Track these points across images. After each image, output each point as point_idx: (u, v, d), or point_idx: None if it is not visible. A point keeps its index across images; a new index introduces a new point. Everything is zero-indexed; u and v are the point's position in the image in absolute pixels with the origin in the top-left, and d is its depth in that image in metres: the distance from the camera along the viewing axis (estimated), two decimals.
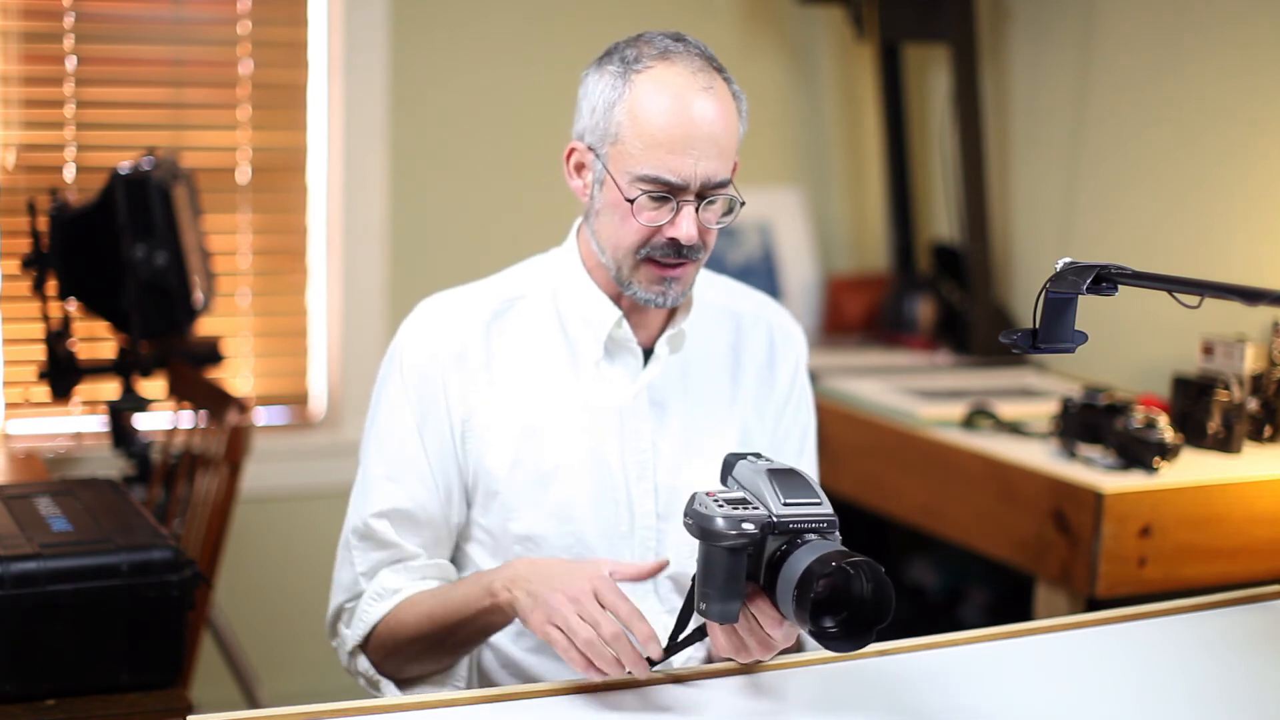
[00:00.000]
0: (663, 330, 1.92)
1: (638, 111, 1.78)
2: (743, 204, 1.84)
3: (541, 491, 1.87)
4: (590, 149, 1.84)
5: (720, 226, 1.83)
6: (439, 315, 1.91)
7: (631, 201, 1.78)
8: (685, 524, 1.59)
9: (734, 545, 1.55)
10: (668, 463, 1.90)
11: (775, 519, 1.56)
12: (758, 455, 1.67)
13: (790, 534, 1.56)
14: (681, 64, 1.79)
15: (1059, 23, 3.43)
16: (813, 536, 1.57)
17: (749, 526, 1.55)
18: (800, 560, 1.53)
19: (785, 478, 1.61)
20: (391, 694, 1.85)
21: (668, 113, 1.76)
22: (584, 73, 1.85)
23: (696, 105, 1.77)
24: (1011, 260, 3.60)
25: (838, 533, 1.59)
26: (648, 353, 1.92)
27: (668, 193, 1.78)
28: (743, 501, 1.58)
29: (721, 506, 1.57)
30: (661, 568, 1.73)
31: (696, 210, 1.78)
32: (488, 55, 3.57)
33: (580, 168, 1.87)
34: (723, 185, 1.80)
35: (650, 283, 1.83)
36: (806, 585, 1.51)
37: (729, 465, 1.68)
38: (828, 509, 1.59)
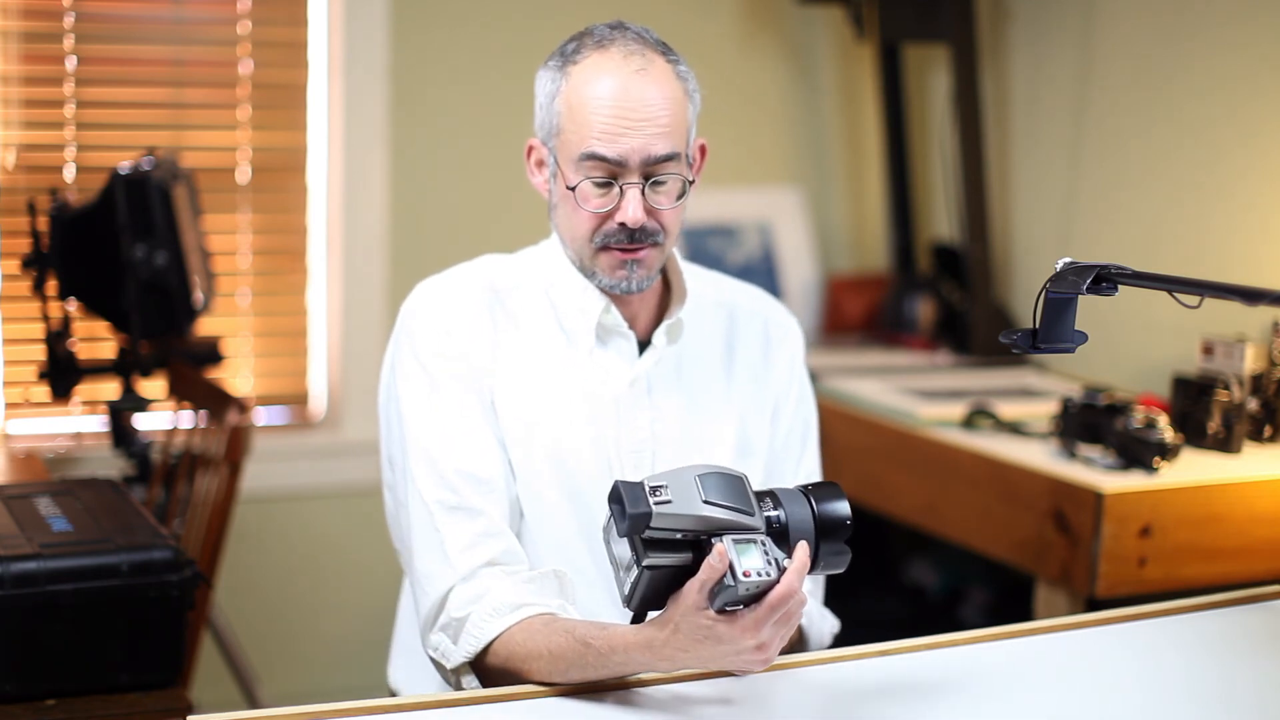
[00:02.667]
0: (658, 321, 1.93)
1: (573, 100, 1.80)
2: (692, 182, 1.84)
3: (554, 471, 1.86)
4: (544, 144, 1.86)
5: (673, 208, 1.82)
6: (447, 294, 1.91)
7: (573, 189, 1.80)
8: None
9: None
10: (667, 451, 1.90)
11: (766, 532, 1.57)
12: (621, 500, 1.54)
13: (772, 516, 1.59)
14: (615, 49, 1.81)
15: (1059, 23, 3.43)
16: (768, 497, 1.61)
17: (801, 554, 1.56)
18: (800, 515, 1.58)
19: (715, 489, 1.56)
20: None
21: (600, 97, 1.78)
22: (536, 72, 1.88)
23: (628, 86, 1.78)
24: (1011, 260, 3.60)
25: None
26: (644, 345, 1.92)
27: (609, 176, 1.79)
28: (755, 550, 1.54)
29: (771, 572, 1.52)
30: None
31: (642, 192, 1.79)
32: (488, 55, 3.56)
33: (540, 165, 1.89)
34: (667, 161, 1.80)
35: (612, 269, 1.84)
36: (840, 526, 1.58)
37: (637, 526, 1.53)
38: (736, 469, 1.60)
